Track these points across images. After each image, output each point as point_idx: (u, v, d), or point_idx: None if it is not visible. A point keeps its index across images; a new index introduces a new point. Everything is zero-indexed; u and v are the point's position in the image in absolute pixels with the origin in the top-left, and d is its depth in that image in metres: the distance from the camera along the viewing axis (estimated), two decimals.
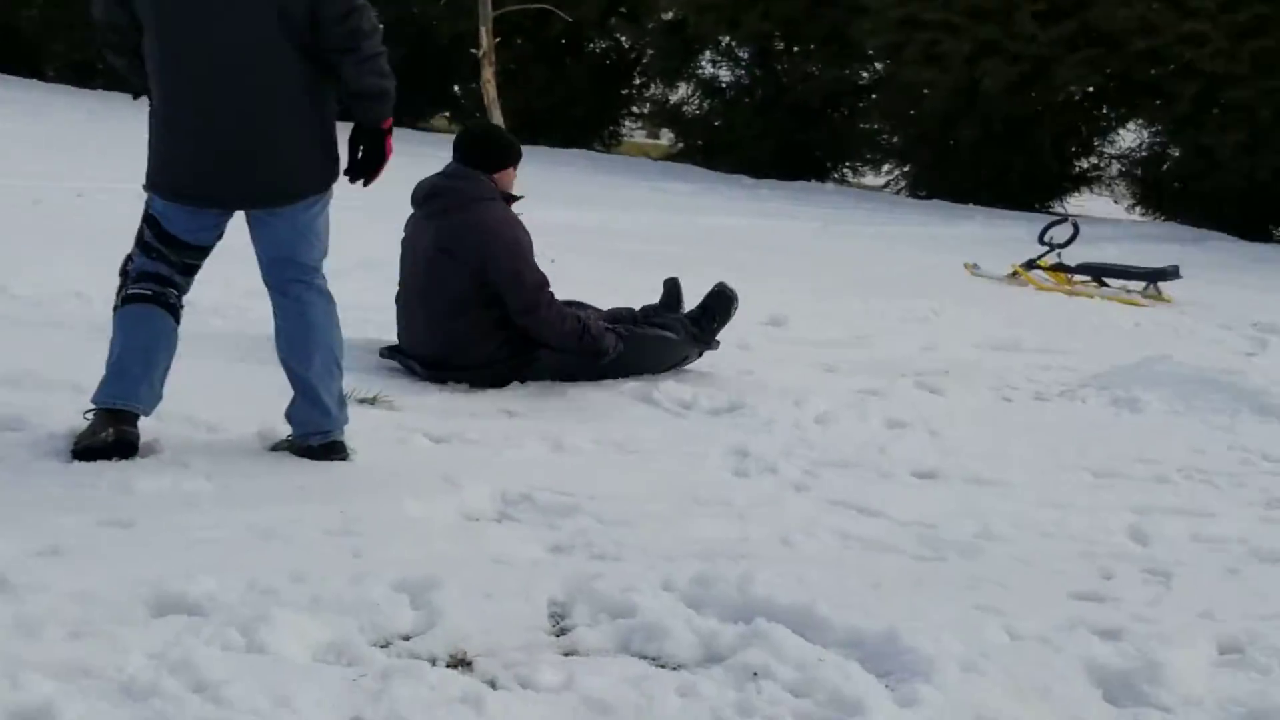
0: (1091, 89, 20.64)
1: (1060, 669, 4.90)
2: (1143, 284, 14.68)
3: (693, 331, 8.99)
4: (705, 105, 27.05)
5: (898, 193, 22.35)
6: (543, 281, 8.25)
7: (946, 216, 19.86)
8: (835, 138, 23.42)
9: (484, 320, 8.22)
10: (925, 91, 21.06)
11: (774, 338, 10.64)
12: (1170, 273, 14.63)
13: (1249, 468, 8.26)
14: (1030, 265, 14.97)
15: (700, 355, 9.10)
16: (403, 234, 8.60)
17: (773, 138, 23.38)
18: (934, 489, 7.20)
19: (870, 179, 23.62)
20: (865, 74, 23.66)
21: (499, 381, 8.28)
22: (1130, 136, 21.04)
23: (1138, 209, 20.45)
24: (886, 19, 21.15)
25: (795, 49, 23.60)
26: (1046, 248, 15.15)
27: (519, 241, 8.22)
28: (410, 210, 8.56)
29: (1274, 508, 7.47)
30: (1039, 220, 16.42)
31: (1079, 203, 21.12)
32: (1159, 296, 14.52)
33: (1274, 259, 18.04)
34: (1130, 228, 19.19)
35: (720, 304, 9.14)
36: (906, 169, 22.38)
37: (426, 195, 8.39)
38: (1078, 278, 14.88)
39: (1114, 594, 5.80)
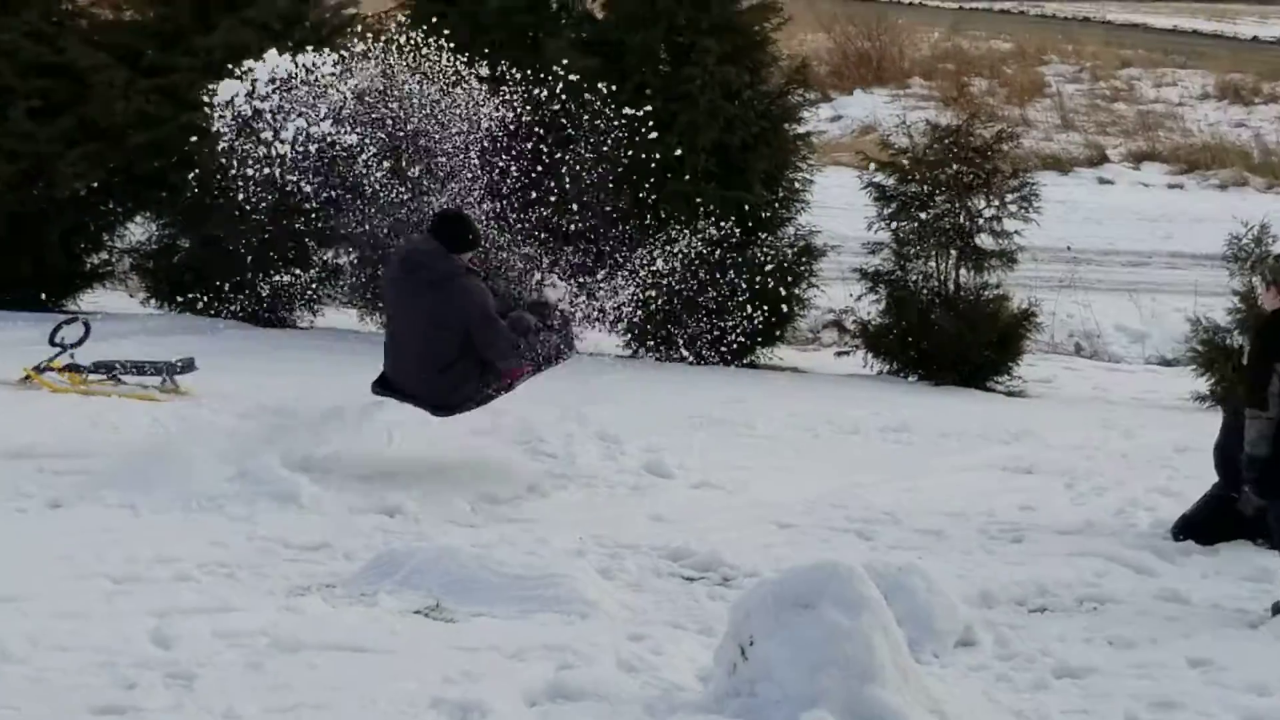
0: (96, 184, 20.38)
1: None
2: (160, 378, 14.57)
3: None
4: None
5: None
6: (506, 333, 10.40)
7: None
8: None
9: (467, 367, 10.36)
10: None
11: None
12: (186, 365, 14.60)
13: (270, 557, 8.31)
14: (43, 368, 14.56)
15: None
16: (386, 290, 11.18)
17: None
18: None
19: None
20: None
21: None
22: (140, 230, 20.87)
23: (152, 302, 20.31)
24: None
25: None
26: (58, 348, 14.77)
27: (488, 307, 10.37)
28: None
29: (295, 595, 7.53)
30: (52, 320, 16.02)
31: (93, 299, 20.75)
32: (177, 390, 14.46)
33: (286, 343, 18.42)
34: (146, 321, 19.06)
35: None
36: None
37: (410, 268, 10.43)
38: (93, 377, 14.59)
39: (136, 704, 5.65)
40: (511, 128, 14.60)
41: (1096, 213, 27.33)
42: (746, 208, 16.56)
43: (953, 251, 16.48)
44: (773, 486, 10.95)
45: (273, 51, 14.24)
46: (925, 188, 16.48)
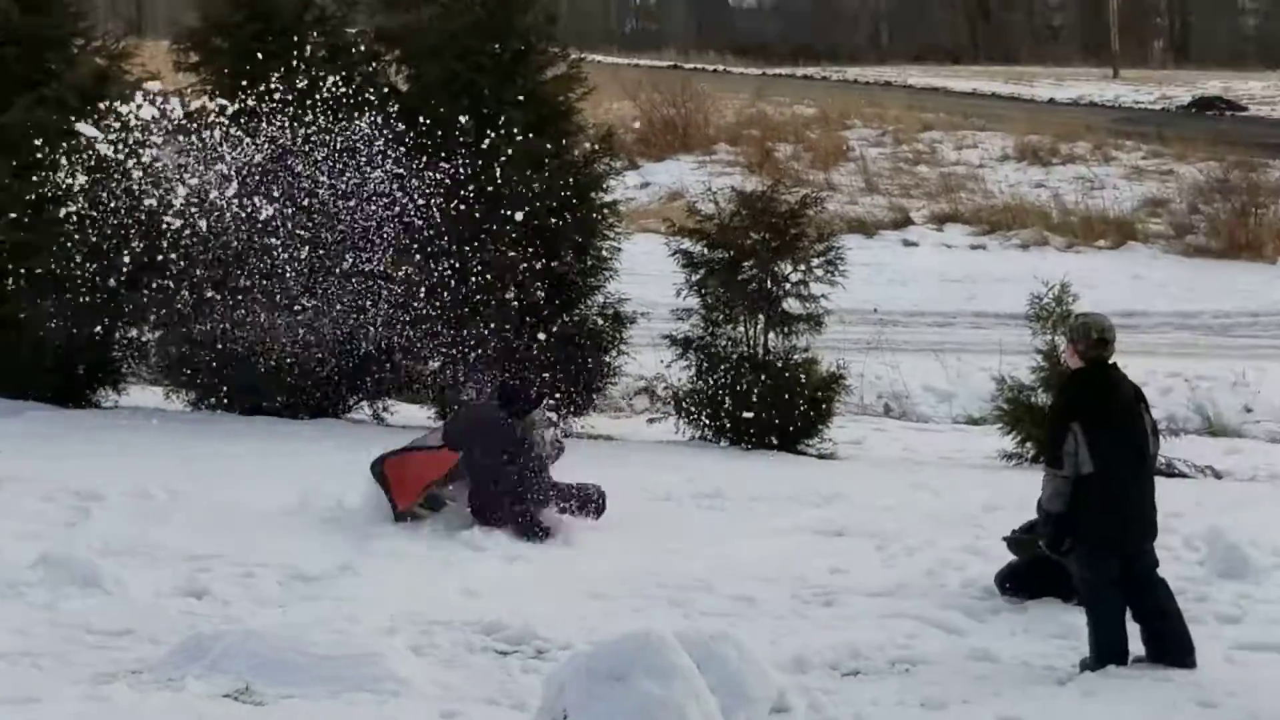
0: None
1: None
2: None
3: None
4: None
5: None
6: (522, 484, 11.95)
7: None
8: None
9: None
10: None
11: None
12: None
13: (74, 645, 8.14)
14: None
15: None
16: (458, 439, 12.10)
17: None
18: None
19: None
20: None
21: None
22: None
23: None
24: None
25: None
26: None
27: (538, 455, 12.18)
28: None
29: (100, 683, 7.38)
30: None
31: None
32: None
33: (94, 424, 18.12)
34: None
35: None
36: None
37: (484, 432, 12.04)
38: None
39: None
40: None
41: (902, 274, 27.75)
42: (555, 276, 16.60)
43: (761, 316, 16.60)
44: (586, 556, 10.94)
45: (154, 83, 13.95)
46: (732, 254, 16.61)
